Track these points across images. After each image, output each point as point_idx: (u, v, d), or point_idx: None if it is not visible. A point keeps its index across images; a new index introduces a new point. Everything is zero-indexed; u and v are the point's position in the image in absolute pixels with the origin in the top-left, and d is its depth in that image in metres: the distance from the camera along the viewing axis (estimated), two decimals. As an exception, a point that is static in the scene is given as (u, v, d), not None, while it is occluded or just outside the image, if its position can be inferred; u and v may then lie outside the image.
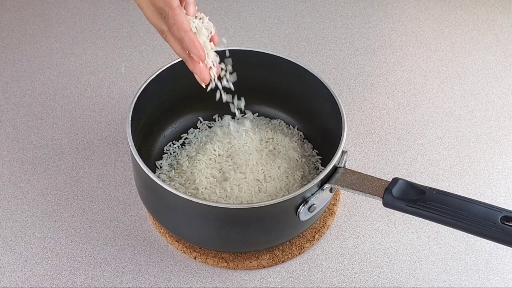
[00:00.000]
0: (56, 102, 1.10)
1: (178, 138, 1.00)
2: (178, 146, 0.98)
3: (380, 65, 1.19)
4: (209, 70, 0.80)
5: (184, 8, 0.75)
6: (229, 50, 0.89)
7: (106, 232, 0.92)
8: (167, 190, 0.78)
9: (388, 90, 1.14)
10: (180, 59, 0.81)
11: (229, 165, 0.93)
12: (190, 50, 0.75)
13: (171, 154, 0.97)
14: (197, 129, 1.00)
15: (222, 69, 0.85)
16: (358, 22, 1.27)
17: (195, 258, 0.89)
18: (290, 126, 1.00)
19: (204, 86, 0.81)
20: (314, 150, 0.98)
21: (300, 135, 0.99)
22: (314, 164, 0.96)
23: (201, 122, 1.01)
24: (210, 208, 0.79)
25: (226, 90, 0.88)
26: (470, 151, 1.04)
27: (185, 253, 0.89)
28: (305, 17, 1.28)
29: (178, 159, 0.95)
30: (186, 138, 0.99)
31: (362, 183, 0.82)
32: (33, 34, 1.22)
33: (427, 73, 1.17)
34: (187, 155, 0.95)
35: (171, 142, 0.98)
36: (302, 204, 0.81)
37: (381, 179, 0.81)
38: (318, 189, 0.82)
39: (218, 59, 0.82)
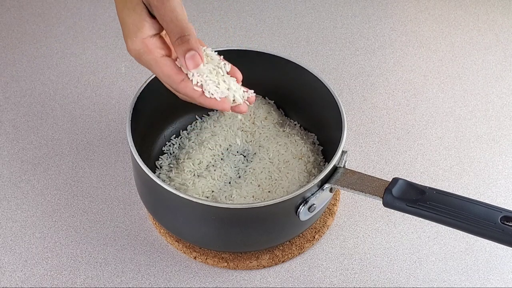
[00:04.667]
0: (56, 102, 1.10)
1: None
2: (177, 146, 0.98)
3: (380, 65, 1.19)
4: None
5: None
6: (229, 50, 0.89)
7: (106, 232, 0.92)
8: (167, 190, 0.78)
9: (388, 90, 1.14)
10: None
11: (230, 164, 0.93)
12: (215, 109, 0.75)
13: (171, 154, 0.97)
14: (196, 128, 1.00)
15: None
16: (358, 22, 1.27)
17: (195, 258, 0.89)
18: (292, 123, 1.00)
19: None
20: (319, 145, 0.98)
21: (302, 134, 0.99)
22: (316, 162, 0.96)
23: (197, 120, 1.01)
24: (210, 208, 0.79)
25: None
26: (470, 151, 1.04)
27: (185, 253, 0.89)
28: (305, 17, 1.28)
29: (178, 159, 0.95)
30: (187, 132, 0.99)
31: (362, 183, 0.82)
32: (33, 34, 1.22)
33: (427, 73, 1.17)
34: (187, 155, 0.95)
35: (170, 142, 0.98)
36: (302, 204, 0.81)
37: (381, 179, 0.81)
38: (318, 189, 0.82)
39: (247, 94, 0.77)
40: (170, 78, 0.73)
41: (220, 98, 0.73)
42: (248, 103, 0.77)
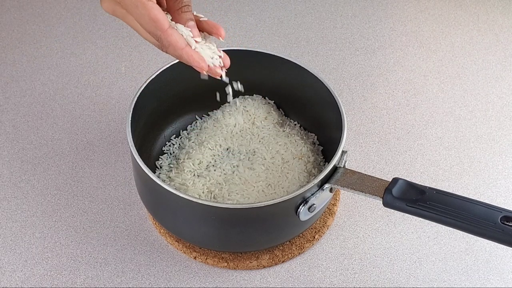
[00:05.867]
0: (56, 102, 1.10)
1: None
2: (177, 146, 0.98)
3: (380, 65, 1.19)
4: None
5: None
6: (229, 50, 0.89)
7: (106, 232, 0.92)
8: (167, 190, 0.78)
9: (388, 90, 1.14)
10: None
11: (230, 164, 0.93)
12: (191, 65, 0.74)
13: (171, 154, 0.97)
14: (196, 128, 1.00)
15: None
16: (358, 22, 1.27)
17: (195, 258, 0.89)
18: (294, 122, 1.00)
19: (205, 74, 0.77)
20: (319, 145, 0.98)
21: (303, 134, 0.99)
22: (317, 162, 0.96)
23: (197, 120, 1.01)
24: (210, 208, 0.79)
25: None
26: (470, 151, 1.04)
27: (185, 253, 0.89)
28: (305, 17, 1.28)
29: (178, 159, 0.95)
30: (187, 132, 0.99)
31: (362, 183, 0.82)
32: (33, 34, 1.22)
33: (427, 73, 1.17)
34: (187, 155, 0.95)
35: (170, 142, 0.98)
36: (302, 204, 0.81)
37: (381, 179, 0.81)
38: (318, 189, 0.82)
39: (220, 54, 0.79)
40: (157, 23, 0.70)
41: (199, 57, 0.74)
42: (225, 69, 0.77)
